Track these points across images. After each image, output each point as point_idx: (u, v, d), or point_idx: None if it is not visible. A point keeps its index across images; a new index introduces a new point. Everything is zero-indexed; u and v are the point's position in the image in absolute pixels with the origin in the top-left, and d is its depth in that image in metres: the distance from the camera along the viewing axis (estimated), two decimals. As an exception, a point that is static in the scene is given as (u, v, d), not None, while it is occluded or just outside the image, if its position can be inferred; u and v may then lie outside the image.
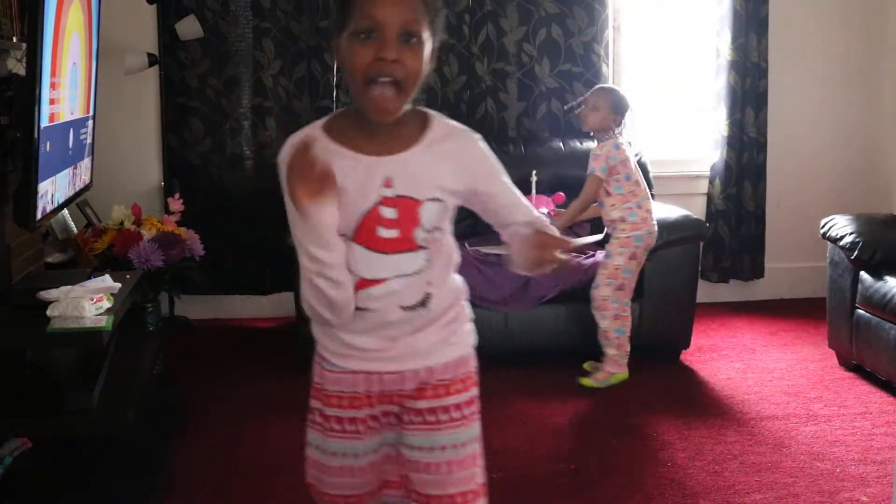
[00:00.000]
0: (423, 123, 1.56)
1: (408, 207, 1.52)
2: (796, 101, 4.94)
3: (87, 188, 3.46)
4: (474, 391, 1.66)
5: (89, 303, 2.53)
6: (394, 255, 1.54)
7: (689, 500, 2.65)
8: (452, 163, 1.56)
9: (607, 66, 4.69)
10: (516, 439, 3.09)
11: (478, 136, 1.61)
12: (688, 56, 4.98)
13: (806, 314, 4.59)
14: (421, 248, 1.55)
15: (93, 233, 3.84)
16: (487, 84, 4.62)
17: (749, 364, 3.92)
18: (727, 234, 4.84)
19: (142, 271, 3.52)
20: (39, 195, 2.62)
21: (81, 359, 2.81)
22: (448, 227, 1.62)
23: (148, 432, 2.88)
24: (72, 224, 3.91)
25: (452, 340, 1.65)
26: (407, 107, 1.51)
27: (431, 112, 1.58)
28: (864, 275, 3.64)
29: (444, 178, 1.55)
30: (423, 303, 1.58)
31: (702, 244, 4.14)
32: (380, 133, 1.52)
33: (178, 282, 4.02)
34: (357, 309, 1.57)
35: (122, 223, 3.90)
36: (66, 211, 3.72)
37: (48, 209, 2.78)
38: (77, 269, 3.47)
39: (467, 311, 1.69)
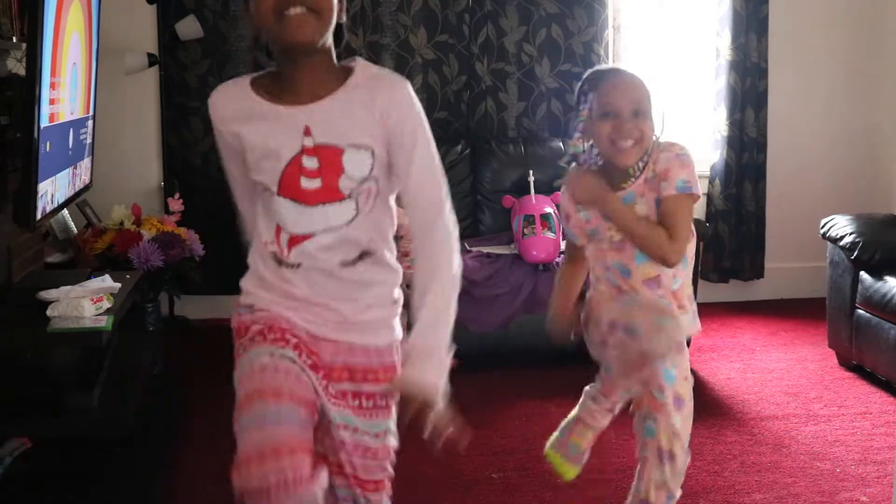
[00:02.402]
0: (347, 71, 1.53)
1: (329, 155, 1.49)
2: (796, 101, 4.94)
3: (87, 188, 3.47)
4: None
5: (89, 303, 2.54)
6: (318, 206, 1.51)
7: (689, 500, 2.65)
8: (373, 107, 1.50)
9: (608, 64, 4.69)
10: (516, 439, 3.09)
11: (400, 83, 1.53)
12: (688, 56, 4.98)
13: (806, 314, 4.59)
14: (348, 197, 1.51)
15: (93, 233, 3.84)
16: (487, 84, 4.62)
17: (749, 364, 3.92)
18: (727, 234, 4.84)
19: (142, 271, 3.52)
20: (39, 195, 2.62)
21: (81, 359, 2.82)
22: (388, 185, 1.55)
23: (148, 432, 2.88)
24: (72, 224, 3.90)
25: (391, 324, 1.61)
26: (327, 41, 1.50)
27: (359, 59, 1.55)
28: (864, 275, 3.64)
29: (366, 123, 1.49)
30: (362, 256, 1.55)
31: (702, 244, 4.14)
32: (300, 83, 1.50)
33: (178, 282, 4.02)
34: (286, 266, 1.55)
35: (122, 223, 3.89)
36: (66, 211, 3.72)
37: (48, 209, 2.78)
38: (77, 269, 3.46)
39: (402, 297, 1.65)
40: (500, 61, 4.62)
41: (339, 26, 1.53)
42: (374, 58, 4.52)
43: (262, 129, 1.50)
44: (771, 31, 4.76)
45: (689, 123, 5.00)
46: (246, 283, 1.63)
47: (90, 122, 3.43)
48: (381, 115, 1.50)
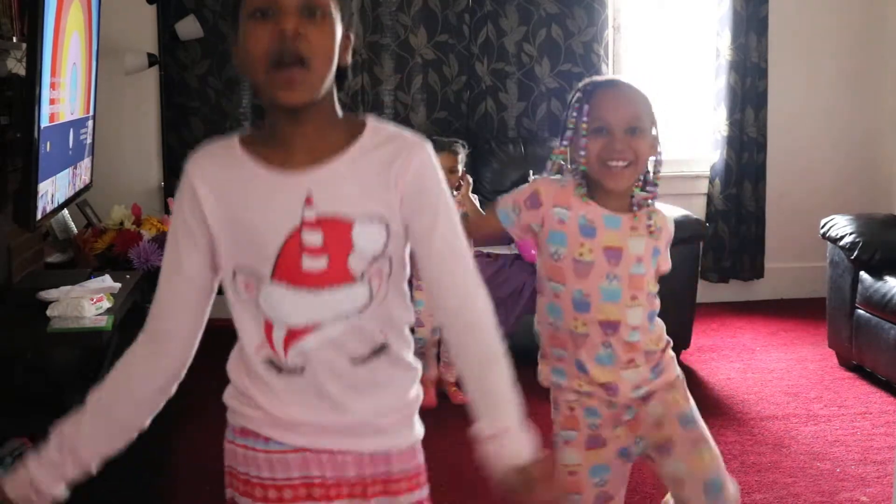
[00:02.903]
0: (355, 130, 1.27)
1: (336, 229, 1.23)
2: (796, 101, 4.94)
3: (87, 188, 3.46)
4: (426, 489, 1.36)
5: (89, 303, 2.54)
6: (327, 290, 1.24)
7: (689, 500, 2.65)
8: (388, 173, 1.24)
9: (607, 66, 4.69)
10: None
11: (424, 143, 1.28)
12: (688, 56, 4.98)
13: (806, 314, 4.59)
14: (359, 280, 1.25)
15: (93, 233, 3.83)
16: (487, 84, 4.62)
17: (749, 364, 3.92)
18: (727, 234, 4.84)
19: (142, 271, 3.52)
20: (39, 195, 2.62)
21: (81, 359, 2.81)
22: (402, 265, 1.30)
23: (148, 432, 2.88)
24: (72, 224, 3.90)
25: (415, 419, 1.34)
26: (326, 92, 1.25)
27: (371, 117, 1.29)
28: (864, 275, 3.64)
29: (380, 191, 1.24)
30: (378, 352, 1.28)
31: (702, 244, 4.14)
32: (298, 142, 1.25)
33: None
34: (287, 372, 1.26)
35: (122, 223, 3.89)
36: (66, 211, 3.72)
37: (48, 209, 2.78)
38: (77, 269, 3.46)
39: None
40: (500, 61, 4.62)
41: (341, 69, 1.27)
42: (374, 58, 4.53)
43: (253, 201, 1.24)
44: (771, 31, 4.76)
45: (689, 123, 5.00)
46: (230, 399, 1.34)
47: (90, 122, 3.43)
48: (397, 183, 1.24)
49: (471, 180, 3.44)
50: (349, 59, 1.28)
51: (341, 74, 1.28)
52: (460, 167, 3.45)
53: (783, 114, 4.90)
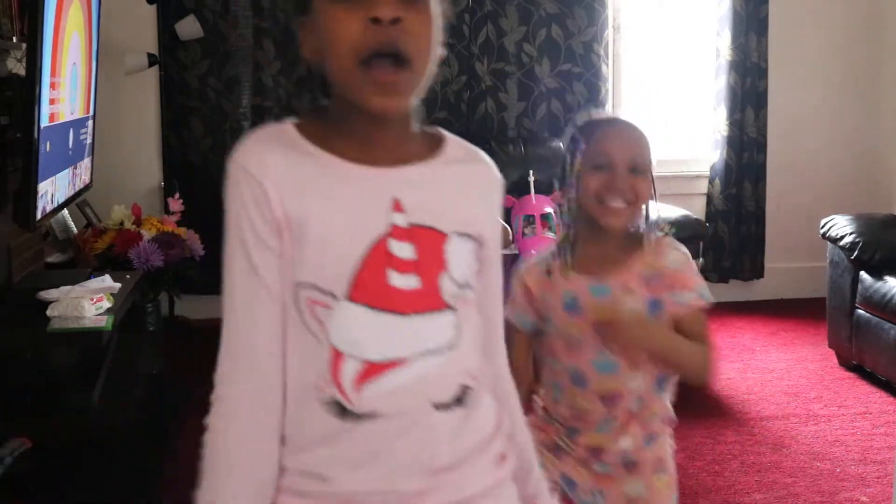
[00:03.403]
0: (434, 139, 1.09)
1: (429, 242, 1.01)
2: (796, 101, 4.94)
3: (87, 188, 3.46)
4: None
5: (89, 303, 2.53)
6: (416, 316, 1.00)
7: (689, 500, 2.65)
8: (474, 190, 1.07)
9: (607, 66, 4.69)
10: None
11: (499, 178, 1.12)
12: (688, 56, 4.98)
13: (806, 314, 4.59)
14: (449, 309, 1.02)
15: (93, 233, 3.83)
16: (487, 84, 4.62)
17: (749, 364, 3.92)
18: (727, 234, 4.84)
19: (142, 271, 3.52)
20: (39, 195, 2.62)
21: (81, 359, 2.81)
22: (474, 293, 1.08)
23: (148, 432, 2.88)
24: (72, 224, 3.90)
25: (507, 485, 1.10)
26: (414, 101, 1.04)
27: (442, 130, 1.11)
28: (864, 275, 3.64)
29: (469, 209, 1.05)
30: (460, 399, 1.03)
31: (702, 244, 4.14)
32: (377, 139, 1.03)
33: (178, 282, 4.02)
34: (354, 419, 0.99)
35: (122, 223, 3.89)
36: (66, 211, 3.72)
37: (48, 209, 2.78)
38: (77, 269, 3.46)
39: None
40: (500, 61, 4.62)
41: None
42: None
43: (329, 199, 0.99)
44: (771, 31, 4.76)
45: (689, 123, 5.00)
46: (298, 483, 1.03)
47: (90, 122, 3.43)
48: (481, 203, 1.07)
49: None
50: (441, 51, 1.04)
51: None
52: None
53: (783, 114, 4.90)
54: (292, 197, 0.99)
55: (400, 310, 0.98)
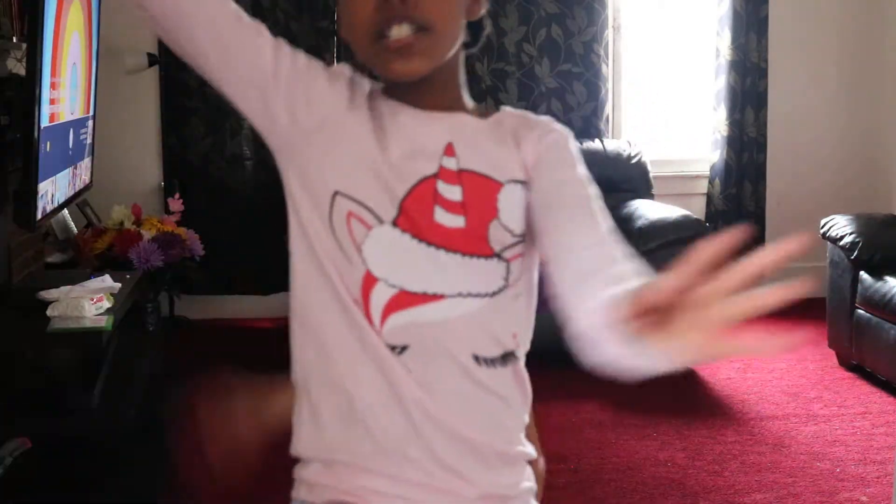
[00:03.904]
0: (489, 109, 1.10)
1: (480, 189, 0.98)
2: (796, 101, 4.94)
3: (87, 188, 3.46)
4: None
5: (89, 303, 2.54)
6: (459, 255, 0.96)
7: (689, 500, 2.65)
8: (528, 148, 1.02)
9: (607, 66, 4.69)
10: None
11: (567, 131, 1.06)
12: (688, 56, 4.99)
13: (806, 314, 4.58)
14: (497, 257, 0.97)
15: (93, 233, 3.84)
16: (487, 84, 4.62)
17: (749, 364, 3.92)
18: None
19: (142, 271, 3.52)
20: (39, 195, 2.62)
21: (81, 359, 2.81)
22: (533, 264, 1.02)
23: (148, 432, 2.88)
24: (72, 224, 3.91)
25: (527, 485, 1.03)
26: (449, 58, 1.03)
27: (505, 106, 1.11)
28: (864, 275, 3.64)
29: (520, 163, 1.01)
30: (505, 360, 0.99)
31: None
32: (434, 92, 1.03)
33: (178, 282, 4.02)
34: (393, 350, 0.95)
35: (122, 223, 3.90)
36: (66, 211, 3.72)
37: (48, 209, 2.78)
38: (77, 269, 3.46)
39: None
40: (500, 61, 4.62)
41: (474, 25, 1.08)
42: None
43: (392, 129, 1.00)
44: (771, 31, 4.76)
45: (689, 123, 5.00)
46: (301, 444, 1.03)
47: (90, 122, 3.43)
48: (538, 163, 1.01)
49: None
50: (481, 9, 1.05)
51: (474, 31, 1.08)
52: None
53: (783, 114, 4.90)
54: (355, 111, 1.00)
55: (443, 244, 0.95)
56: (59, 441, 2.71)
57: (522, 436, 1.03)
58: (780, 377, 3.74)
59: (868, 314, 3.61)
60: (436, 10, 0.97)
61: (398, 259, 0.95)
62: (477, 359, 0.96)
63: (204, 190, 4.48)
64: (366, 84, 1.04)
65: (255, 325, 4.58)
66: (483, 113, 1.06)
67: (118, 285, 2.78)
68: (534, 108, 4.63)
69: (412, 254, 0.95)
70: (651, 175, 4.39)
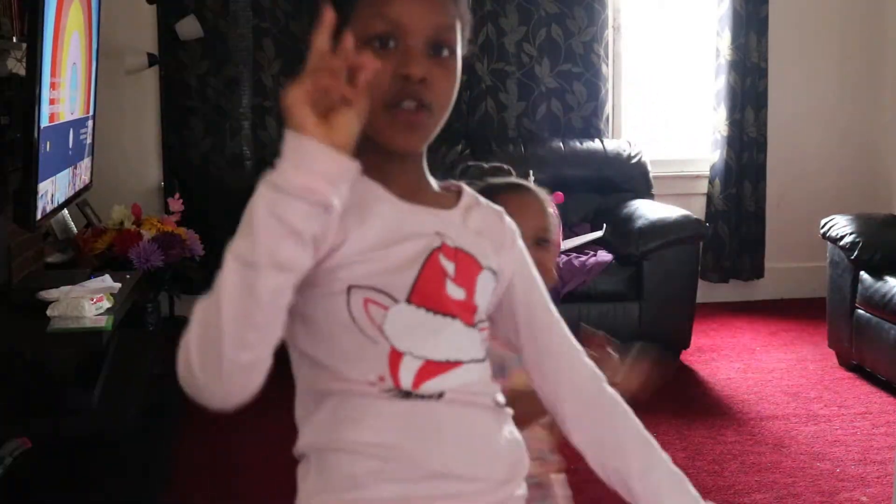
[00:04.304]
0: (450, 192, 1.15)
1: (468, 267, 1.08)
2: (796, 101, 4.94)
3: (87, 188, 3.46)
4: None
5: (89, 303, 2.54)
6: (463, 325, 1.06)
7: (689, 500, 2.65)
8: (497, 230, 1.14)
9: (607, 66, 4.69)
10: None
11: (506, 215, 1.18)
12: (688, 56, 4.99)
13: (806, 314, 4.59)
14: (475, 327, 1.09)
15: (93, 233, 3.84)
16: (487, 84, 4.62)
17: (749, 364, 3.92)
18: (727, 234, 4.84)
19: (142, 271, 3.52)
20: (39, 195, 2.62)
21: (81, 359, 2.81)
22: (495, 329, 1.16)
23: (148, 432, 2.88)
24: (72, 224, 3.90)
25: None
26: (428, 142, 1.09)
27: (461, 184, 1.18)
28: (864, 275, 3.64)
29: (492, 248, 1.12)
30: (500, 410, 1.11)
31: (702, 244, 4.14)
32: (411, 179, 1.10)
33: (178, 282, 4.02)
34: (416, 398, 1.03)
35: (122, 223, 3.89)
36: (66, 211, 3.72)
37: (48, 209, 2.78)
38: (77, 269, 3.46)
39: None
40: (500, 61, 4.62)
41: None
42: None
43: (391, 221, 1.04)
44: (771, 31, 4.76)
45: (689, 123, 5.00)
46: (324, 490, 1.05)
47: (90, 122, 3.43)
48: (510, 244, 1.14)
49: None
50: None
51: None
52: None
53: (783, 114, 4.90)
54: (356, 212, 1.02)
55: (456, 314, 1.05)
56: (59, 441, 2.71)
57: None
58: (780, 377, 3.74)
59: (868, 314, 3.61)
60: (441, 94, 1.05)
61: (420, 330, 1.03)
62: (486, 409, 1.08)
63: (204, 190, 4.47)
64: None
65: (255, 325, 4.57)
66: (452, 196, 1.13)
67: (118, 285, 2.78)
68: (534, 108, 4.64)
69: (429, 325, 1.03)
70: (651, 175, 4.38)
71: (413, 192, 1.08)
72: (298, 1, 4.48)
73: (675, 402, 3.43)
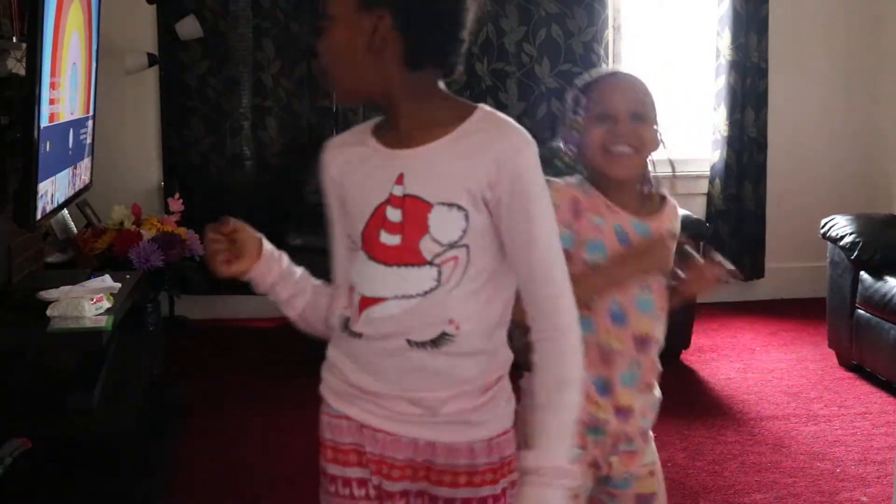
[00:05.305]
0: (463, 114, 1.31)
1: (415, 210, 1.26)
2: (796, 101, 4.94)
3: (87, 188, 3.46)
4: (507, 480, 1.35)
5: (89, 303, 2.53)
6: (394, 267, 1.28)
7: (689, 500, 2.65)
8: (482, 160, 1.25)
9: (607, 66, 4.69)
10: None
11: (525, 141, 1.28)
12: (688, 56, 4.98)
13: (806, 314, 4.59)
14: (430, 263, 1.27)
15: (93, 233, 3.84)
16: (487, 84, 4.62)
17: (749, 364, 3.92)
18: (727, 234, 4.84)
19: (142, 271, 3.52)
20: (39, 195, 2.62)
21: (81, 359, 2.81)
22: (485, 260, 1.28)
23: (148, 432, 2.88)
24: (72, 224, 3.91)
25: (476, 420, 1.33)
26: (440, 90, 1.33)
27: (484, 106, 1.35)
28: (864, 275, 3.64)
29: (468, 178, 1.25)
30: (437, 342, 1.28)
31: (702, 244, 4.14)
32: (401, 123, 1.31)
33: (178, 282, 4.02)
34: (356, 335, 1.33)
35: (122, 223, 3.89)
36: (66, 211, 3.72)
37: (48, 209, 2.78)
38: (77, 269, 3.46)
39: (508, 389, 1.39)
40: (501, 61, 4.62)
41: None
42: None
43: (361, 174, 1.32)
44: (771, 31, 4.76)
45: (689, 123, 5.00)
46: (326, 366, 1.42)
47: (90, 122, 3.42)
48: (489, 172, 1.25)
49: None
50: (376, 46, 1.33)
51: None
52: None
53: (783, 114, 4.90)
54: (341, 177, 1.36)
55: (383, 260, 1.29)
56: (59, 441, 2.71)
57: (475, 391, 1.32)
58: (780, 377, 3.74)
59: (868, 314, 3.61)
60: (330, 52, 1.38)
61: (361, 273, 1.33)
62: (411, 342, 1.29)
63: (204, 190, 4.48)
64: (347, 147, 1.38)
65: (255, 325, 4.57)
66: (452, 123, 1.30)
67: (118, 285, 2.78)
68: (534, 108, 4.64)
69: (367, 267, 1.31)
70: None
71: (409, 134, 1.29)
72: (298, 1, 4.48)
73: (675, 402, 3.43)
